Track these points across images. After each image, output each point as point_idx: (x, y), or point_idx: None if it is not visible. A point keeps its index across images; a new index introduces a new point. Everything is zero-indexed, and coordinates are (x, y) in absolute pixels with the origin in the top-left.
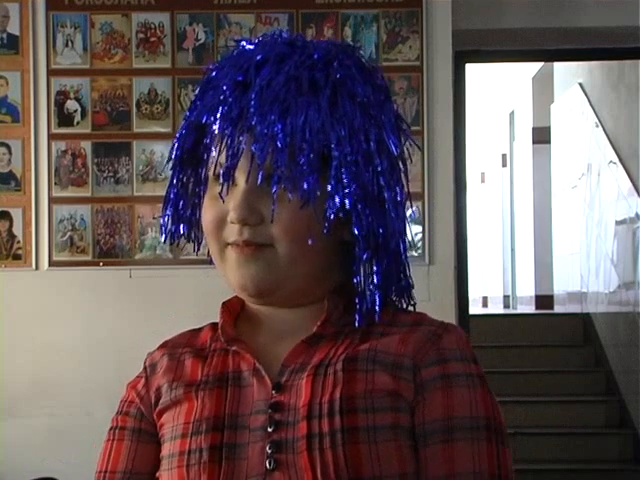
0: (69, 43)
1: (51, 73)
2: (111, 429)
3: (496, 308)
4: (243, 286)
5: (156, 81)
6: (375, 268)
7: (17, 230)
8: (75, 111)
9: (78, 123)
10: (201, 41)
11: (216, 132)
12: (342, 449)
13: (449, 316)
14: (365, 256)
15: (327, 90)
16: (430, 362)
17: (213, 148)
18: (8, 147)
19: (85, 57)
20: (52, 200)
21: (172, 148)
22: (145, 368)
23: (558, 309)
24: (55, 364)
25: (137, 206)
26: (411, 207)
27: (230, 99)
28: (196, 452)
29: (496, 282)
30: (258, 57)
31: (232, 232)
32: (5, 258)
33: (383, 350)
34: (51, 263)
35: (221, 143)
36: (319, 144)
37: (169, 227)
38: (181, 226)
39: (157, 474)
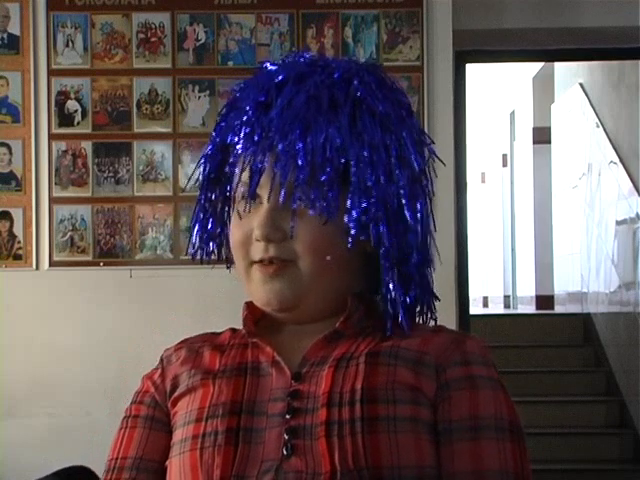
0: (69, 43)
1: (51, 73)
2: (125, 418)
3: (496, 308)
4: (267, 302)
5: (156, 81)
6: (398, 280)
7: (17, 230)
8: (75, 111)
9: (78, 123)
10: (201, 41)
11: (240, 152)
12: (361, 437)
13: (449, 316)
14: (388, 268)
15: (347, 108)
16: (455, 362)
17: (237, 167)
18: (9, 147)
19: (85, 57)
20: (52, 200)
21: (199, 167)
22: (161, 360)
23: (558, 309)
24: (55, 364)
25: (137, 206)
26: (433, 221)
27: (252, 119)
28: (211, 435)
29: (496, 282)
30: (279, 77)
31: (258, 250)
32: (5, 258)
33: (405, 347)
34: (51, 263)
35: (244, 162)
36: (339, 161)
37: (198, 245)
38: (210, 244)
39: (167, 462)
